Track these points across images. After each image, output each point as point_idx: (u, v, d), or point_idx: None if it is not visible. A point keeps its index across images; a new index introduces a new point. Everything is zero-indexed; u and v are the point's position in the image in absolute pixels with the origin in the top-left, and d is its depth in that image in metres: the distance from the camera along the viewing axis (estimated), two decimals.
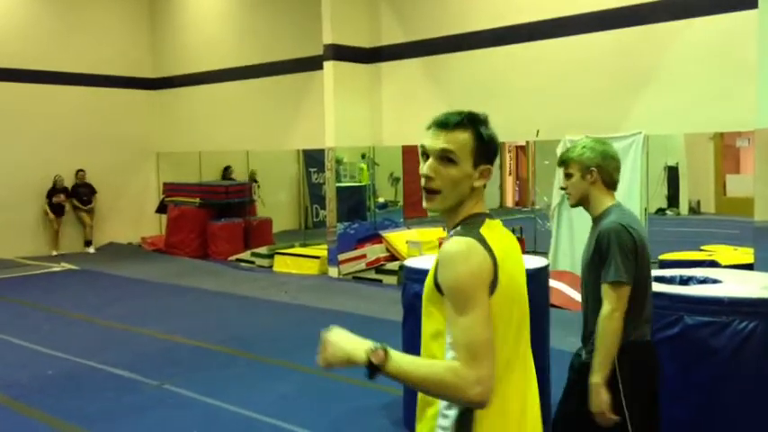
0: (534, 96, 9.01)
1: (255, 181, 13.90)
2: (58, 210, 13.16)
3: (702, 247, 8.30)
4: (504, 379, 1.77)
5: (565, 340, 4.86)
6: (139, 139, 14.48)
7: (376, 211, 11.12)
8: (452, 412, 1.78)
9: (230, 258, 12.26)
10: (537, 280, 4.38)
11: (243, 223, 12.95)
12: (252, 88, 12.68)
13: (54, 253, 12.98)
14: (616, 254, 2.63)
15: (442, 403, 1.79)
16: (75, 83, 13.51)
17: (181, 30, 14.02)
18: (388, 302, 8.68)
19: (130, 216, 14.11)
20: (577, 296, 6.95)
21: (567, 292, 7.67)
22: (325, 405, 5.11)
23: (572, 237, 8.47)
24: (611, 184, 2.83)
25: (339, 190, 10.62)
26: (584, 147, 2.86)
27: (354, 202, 10.95)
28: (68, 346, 6.72)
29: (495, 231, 1.85)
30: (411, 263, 4.69)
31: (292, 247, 12.07)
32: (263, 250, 12.09)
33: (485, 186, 1.91)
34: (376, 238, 10.59)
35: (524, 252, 6.84)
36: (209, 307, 8.80)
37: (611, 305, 2.63)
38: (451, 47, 9.77)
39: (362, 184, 11.03)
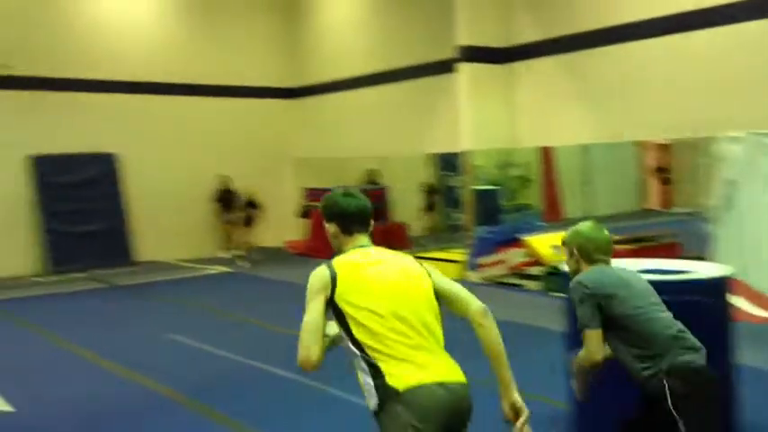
0: (680, 91, 8.59)
1: (377, 183, 14.16)
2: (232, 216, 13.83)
3: None
4: (389, 339, 2.51)
5: (757, 356, 4.54)
6: (279, 145, 15.16)
7: (514, 215, 10.98)
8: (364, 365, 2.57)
9: None
10: (713, 291, 4.19)
11: (379, 227, 13.15)
12: (384, 94, 12.92)
13: (227, 255, 13.65)
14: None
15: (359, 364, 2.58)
16: (219, 95, 14.39)
17: (316, 40, 14.54)
18: (533, 308, 8.62)
19: (275, 221, 14.78)
20: (755, 308, 6.48)
21: (742, 304, 7.11)
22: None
23: (741, 239, 7.80)
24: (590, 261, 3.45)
25: (475, 193, 10.61)
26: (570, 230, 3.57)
27: (490, 206, 10.90)
28: (233, 346, 7.14)
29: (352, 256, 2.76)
30: None
31: (428, 250, 12.17)
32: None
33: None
34: (515, 242, 10.47)
35: (689, 258, 6.39)
36: None
37: None
38: (591, 42, 9.51)
39: (496, 187, 10.95)
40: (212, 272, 12.48)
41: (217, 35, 14.43)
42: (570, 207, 13.26)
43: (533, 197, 11.49)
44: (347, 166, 14.40)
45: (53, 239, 12.56)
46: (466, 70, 10.27)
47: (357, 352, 2.56)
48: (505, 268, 10.35)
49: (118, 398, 5.85)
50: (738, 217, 7.92)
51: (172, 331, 7.89)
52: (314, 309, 2.60)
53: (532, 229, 10.78)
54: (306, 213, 14.11)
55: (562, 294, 8.11)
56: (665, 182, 17.44)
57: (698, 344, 3.17)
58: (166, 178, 13.66)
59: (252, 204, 13.86)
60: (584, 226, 3.56)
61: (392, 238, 13.20)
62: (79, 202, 12.84)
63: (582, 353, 3.28)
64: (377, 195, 13.57)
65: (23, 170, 12.48)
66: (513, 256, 10.33)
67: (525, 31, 10.29)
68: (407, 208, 14.55)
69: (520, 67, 10.45)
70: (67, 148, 12.75)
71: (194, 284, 11.42)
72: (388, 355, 2.51)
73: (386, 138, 13.05)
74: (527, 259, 10.26)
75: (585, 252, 3.46)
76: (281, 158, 15.26)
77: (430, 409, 2.45)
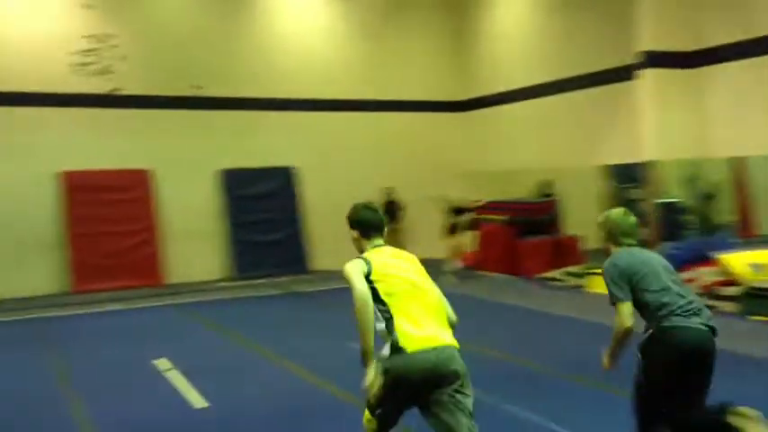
0: None
1: (549, 195, 13.67)
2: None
3: None
4: (410, 317, 3.38)
5: None
6: (447, 158, 15.24)
7: (703, 230, 10.16)
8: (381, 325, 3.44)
9: (539, 276, 12.18)
10: None
11: (550, 240, 12.79)
12: (556, 104, 12.58)
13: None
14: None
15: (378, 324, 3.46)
16: (389, 109, 14.82)
17: (486, 52, 14.50)
18: (732, 333, 7.78)
19: (438, 233, 14.79)
20: None
21: None
22: None
23: None
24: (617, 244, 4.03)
25: (659, 206, 9.96)
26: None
27: (674, 220, 10.18)
28: None
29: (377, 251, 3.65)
30: None
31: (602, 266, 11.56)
32: (577, 269, 11.76)
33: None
34: (706, 259, 9.66)
35: None
36: (532, 326, 8.81)
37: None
38: None
39: (681, 200, 10.20)
40: None
41: (388, 52, 14.84)
42: (766, 222, 12.05)
43: (725, 211, 10.55)
44: (515, 178, 14.12)
45: (238, 247, 13.44)
46: (650, 76, 9.70)
47: (380, 311, 3.44)
48: (695, 287, 9.58)
49: (300, 397, 6.07)
50: None
51: (348, 339, 8.05)
52: (360, 281, 3.45)
53: (725, 246, 9.91)
54: (472, 226, 13.96)
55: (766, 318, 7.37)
56: None
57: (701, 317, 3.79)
58: (338, 190, 14.09)
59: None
60: (614, 212, 4.13)
61: (563, 250, 12.73)
62: (261, 213, 13.66)
63: (616, 322, 3.86)
64: (547, 207, 13.16)
65: (214, 183, 13.48)
66: (705, 274, 9.53)
67: (717, 32, 9.53)
68: (581, 220, 13.97)
69: (710, 71, 9.70)
70: (251, 163, 13.62)
71: None
72: (402, 313, 3.42)
73: (557, 149, 12.67)
74: (721, 278, 9.43)
75: (613, 235, 4.04)
76: (449, 171, 15.28)
77: (421, 378, 3.33)
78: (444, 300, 3.66)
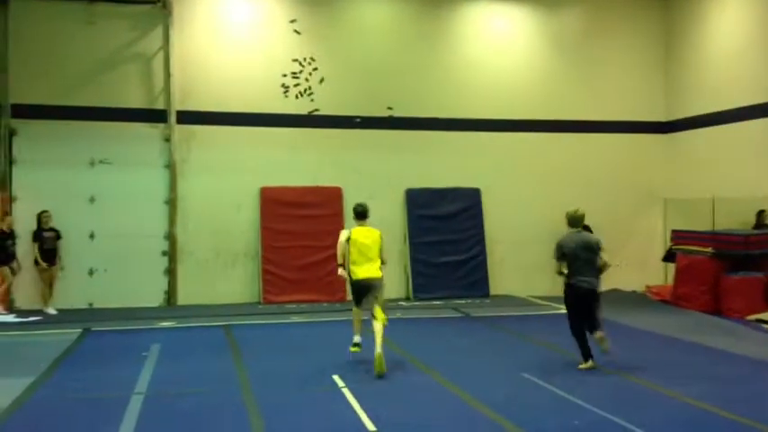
0: None
1: (764, 225, 12.08)
2: None
3: None
4: (357, 262, 7.97)
5: None
6: (646, 183, 14.27)
7: None
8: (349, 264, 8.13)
9: (749, 318, 10.86)
10: None
11: (765, 278, 11.38)
12: None
13: None
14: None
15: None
16: (586, 130, 14.14)
17: (696, 71, 13.44)
18: None
19: (635, 263, 13.78)
20: None
21: None
22: None
23: None
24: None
25: None
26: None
27: None
28: (591, 396, 6.60)
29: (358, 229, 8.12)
30: None
31: None
32: None
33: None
34: None
35: None
36: (728, 371, 7.81)
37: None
38: None
39: None
40: (563, 311, 11.98)
41: (586, 70, 14.22)
42: None
43: None
44: (724, 207, 12.74)
45: (419, 267, 13.42)
46: None
47: (349, 256, 7.95)
48: None
49: (466, 427, 5.77)
50: None
51: (531, 374, 7.63)
52: (342, 240, 7.95)
53: None
54: (671, 257, 12.83)
55: None
56: None
57: (590, 277, 7.72)
58: (524, 213, 13.72)
59: None
60: (571, 210, 7.91)
61: None
62: (443, 234, 13.55)
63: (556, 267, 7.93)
64: (761, 241, 11.69)
65: (401, 202, 13.61)
66: None
67: None
68: None
69: None
70: (436, 183, 13.62)
71: (541, 322, 11.07)
72: (355, 263, 7.93)
73: None
74: None
75: (568, 224, 7.90)
76: (649, 197, 14.28)
77: (362, 287, 7.94)
78: (379, 253, 8.00)
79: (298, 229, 13.04)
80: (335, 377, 7.37)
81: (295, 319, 11.39)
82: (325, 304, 12.46)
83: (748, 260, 11.54)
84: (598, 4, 14.27)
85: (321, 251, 12.88)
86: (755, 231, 12.03)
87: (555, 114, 14.06)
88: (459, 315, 11.79)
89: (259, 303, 12.78)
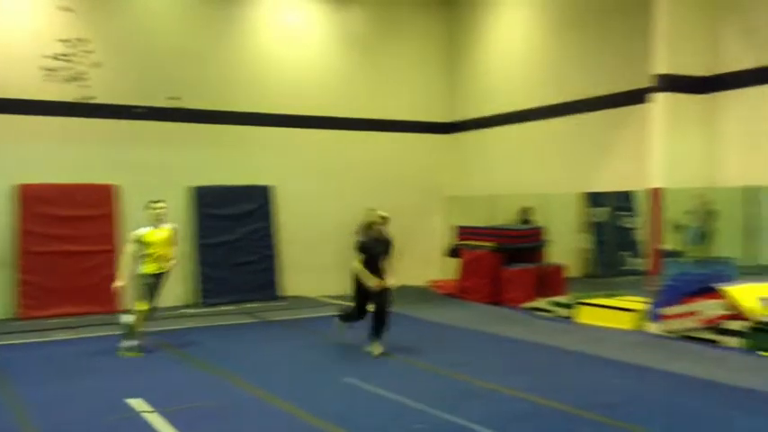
0: None
1: (529, 222, 13.26)
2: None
3: None
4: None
5: None
6: (431, 182, 14.74)
7: (704, 262, 9.79)
8: None
9: (523, 306, 11.72)
10: None
11: (536, 269, 12.37)
12: (552, 128, 12.19)
13: None
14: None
15: None
16: (374, 129, 14.19)
17: (480, 72, 14.07)
18: (739, 369, 7.65)
19: (420, 259, 14.20)
20: None
21: None
22: None
23: None
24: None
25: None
26: None
27: (673, 250, 9.83)
28: (422, 396, 6.48)
29: None
30: None
31: (592, 296, 11.17)
32: (564, 299, 11.37)
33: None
34: (709, 291, 9.31)
35: None
36: (536, 360, 8.28)
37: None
38: None
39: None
40: None
41: (377, 69, 14.23)
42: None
43: (727, 242, 10.23)
44: (501, 203, 13.67)
45: (206, 270, 12.51)
46: (663, 101, 9.35)
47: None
48: (697, 321, 9.21)
49: None
50: None
51: (344, 374, 7.34)
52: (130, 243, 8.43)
53: (729, 278, 9.58)
54: (455, 252, 13.44)
55: None
56: None
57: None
58: (316, 212, 13.46)
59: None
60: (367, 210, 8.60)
61: (547, 279, 12.30)
62: (233, 234, 12.78)
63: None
64: (534, 235, 12.74)
65: (188, 201, 12.57)
66: (708, 307, 9.17)
67: (734, 58, 9.24)
68: (564, 249, 13.60)
69: (724, 97, 9.39)
70: (226, 180, 12.80)
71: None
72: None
73: (548, 175, 12.26)
74: (725, 312, 9.07)
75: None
76: (433, 195, 14.78)
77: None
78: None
79: (63, 233, 11.41)
80: (134, 401, 6.41)
81: (63, 335, 9.86)
82: (97, 316, 11.03)
83: (522, 253, 12.47)
84: (385, 4, 14.41)
85: (90, 257, 11.47)
86: (526, 226, 13.08)
87: (347, 112, 13.95)
88: (256, 320, 11.15)
89: (15, 319, 10.96)
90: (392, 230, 13.73)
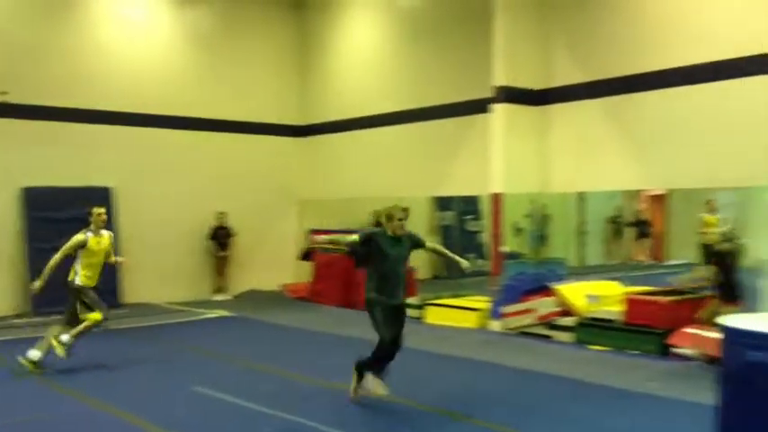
0: (722, 139, 8.39)
1: (381, 225, 13.57)
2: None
3: None
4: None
5: None
6: (284, 185, 14.62)
7: (539, 262, 10.50)
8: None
9: None
10: None
11: None
12: (403, 134, 12.53)
13: (219, 298, 13.21)
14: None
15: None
16: (224, 130, 13.87)
17: (332, 77, 14.14)
18: (569, 361, 8.22)
19: (271, 262, 14.06)
20: None
21: None
22: None
23: None
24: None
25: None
26: None
27: (512, 252, 10.46)
28: (265, 399, 6.42)
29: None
30: (741, 324, 4.11)
31: (441, 297, 11.62)
32: (413, 300, 11.69)
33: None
34: (544, 290, 10.00)
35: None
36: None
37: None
38: (632, 87, 9.25)
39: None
40: (210, 316, 11.68)
41: (229, 71, 13.93)
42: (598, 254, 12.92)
43: (559, 244, 11.04)
44: (354, 207, 13.83)
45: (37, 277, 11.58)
46: (502, 111, 9.92)
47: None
48: (534, 318, 9.85)
49: None
50: None
51: (193, 383, 7.12)
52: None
53: (560, 278, 10.34)
54: (308, 256, 13.45)
55: (602, 347, 7.94)
56: (643, 235, 16.71)
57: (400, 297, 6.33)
58: (163, 214, 12.94)
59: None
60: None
61: None
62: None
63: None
64: None
65: (16, 203, 11.63)
66: (542, 305, 9.84)
67: (564, 73, 10.01)
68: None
69: (556, 109, 10.14)
70: (61, 181, 11.97)
71: (194, 329, 10.63)
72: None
73: (400, 179, 12.59)
74: (557, 309, 9.78)
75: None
76: (286, 198, 14.67)
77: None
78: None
79: None
80: None
81: None
82: None
83: None
84: (234, 4, 14.11)
85: None
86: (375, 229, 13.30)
87: (197, 112, 13.50)
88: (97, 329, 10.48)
89: None
90: (243, 234, 13.74)
